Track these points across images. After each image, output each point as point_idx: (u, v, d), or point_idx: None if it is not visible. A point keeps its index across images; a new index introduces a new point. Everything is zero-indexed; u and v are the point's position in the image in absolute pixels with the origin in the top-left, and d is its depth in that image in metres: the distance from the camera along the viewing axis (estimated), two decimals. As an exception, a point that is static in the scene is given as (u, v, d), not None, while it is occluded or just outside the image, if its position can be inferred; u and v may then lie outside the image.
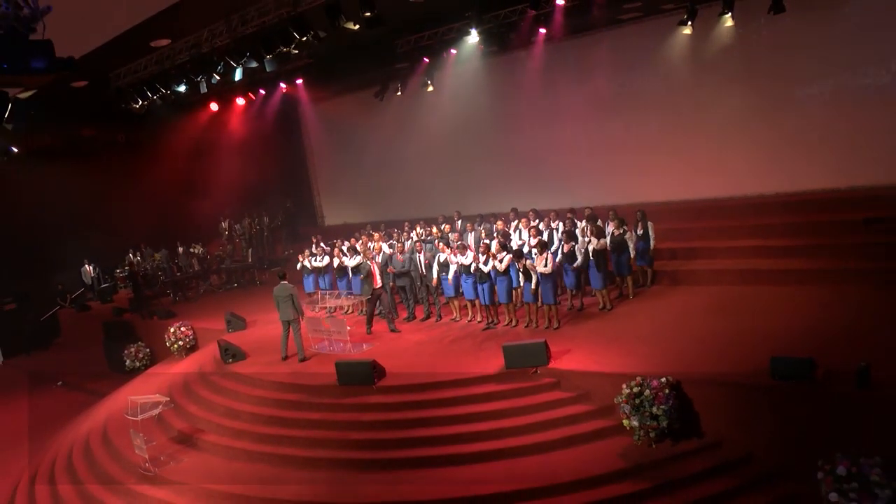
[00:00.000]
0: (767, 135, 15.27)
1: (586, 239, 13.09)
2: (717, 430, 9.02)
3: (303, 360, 12.94)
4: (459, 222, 16.74)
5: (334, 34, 11.45)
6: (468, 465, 9.32)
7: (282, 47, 11.71)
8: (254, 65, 12.66)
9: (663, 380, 9.04)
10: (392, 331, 13.76)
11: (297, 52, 11.91)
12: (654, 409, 8.83)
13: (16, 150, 16.41)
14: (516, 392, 10.31)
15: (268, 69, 12.48)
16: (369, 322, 14.01)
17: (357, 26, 11.12)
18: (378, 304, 13.98)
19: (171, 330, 16.51)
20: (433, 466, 9.46)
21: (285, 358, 13.17)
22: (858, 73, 14.11)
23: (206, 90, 14.20)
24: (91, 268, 22.11)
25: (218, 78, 13.60)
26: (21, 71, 5.41)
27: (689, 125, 16.36)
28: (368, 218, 21.69)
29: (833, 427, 8.16)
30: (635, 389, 9.00)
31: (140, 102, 15.52)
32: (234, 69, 13.07)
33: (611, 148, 17.75)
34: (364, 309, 14.80)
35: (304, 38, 11.32)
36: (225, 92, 15.03)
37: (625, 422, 9.08)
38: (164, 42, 13.54)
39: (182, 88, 14.56)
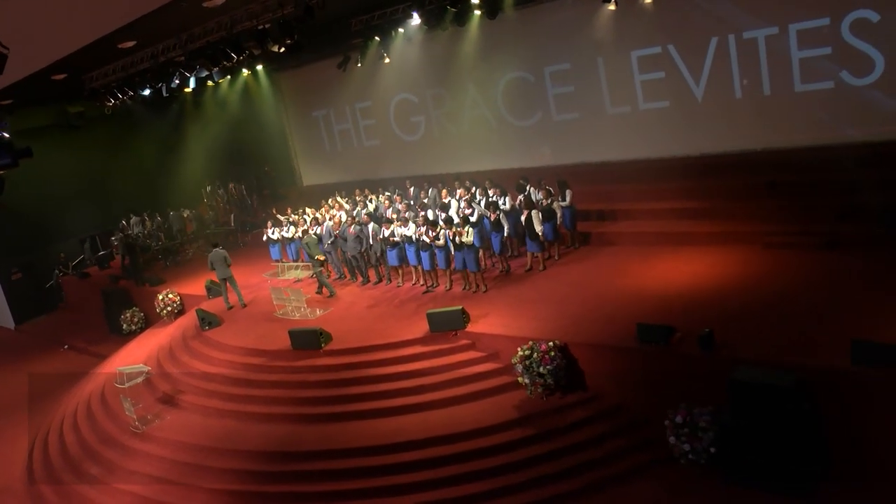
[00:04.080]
0: (687, 97, 16.20)
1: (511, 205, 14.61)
2: (597, 384, 10.68)
3: (244, 305, 16.09)
4: (412, 189, 18.15)
5: (266, 52, 12.78)
6: (391, 417, 11.10)
7: (224, 62, 13.08)
8: (205, 74, 14.08)
9: (550, 343, 10.70)
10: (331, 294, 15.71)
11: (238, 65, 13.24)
12: (541, 369, 10.54)
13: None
14: (437, 353, 11.96)
15: (216, 79, 13.84)
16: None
17: (282, 49, 12.42)
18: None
19: (160, 297, 18.27)
20: (363, 419, 11.25)
21: (230, 307, 16.23)
22: (777, 34, 14.72)
23: (167, 94, 15.62)
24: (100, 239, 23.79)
25: (177, 82, 15.02)
26: None
27: (616, 90, 17.23)
28: (342, 178, 23.07)
29: (683, 383, 9.79)
30: (526, 352, 10.70)
31: (112, 102, 17.00)
32: (188, 78, 14.47)
33: (544, 113, 18.69)
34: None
35: (241, 57, 12.71)
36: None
37: (519, 379, 10.82)
38: (131, 43, 14.76)
39: (146, 92, 16.00)
